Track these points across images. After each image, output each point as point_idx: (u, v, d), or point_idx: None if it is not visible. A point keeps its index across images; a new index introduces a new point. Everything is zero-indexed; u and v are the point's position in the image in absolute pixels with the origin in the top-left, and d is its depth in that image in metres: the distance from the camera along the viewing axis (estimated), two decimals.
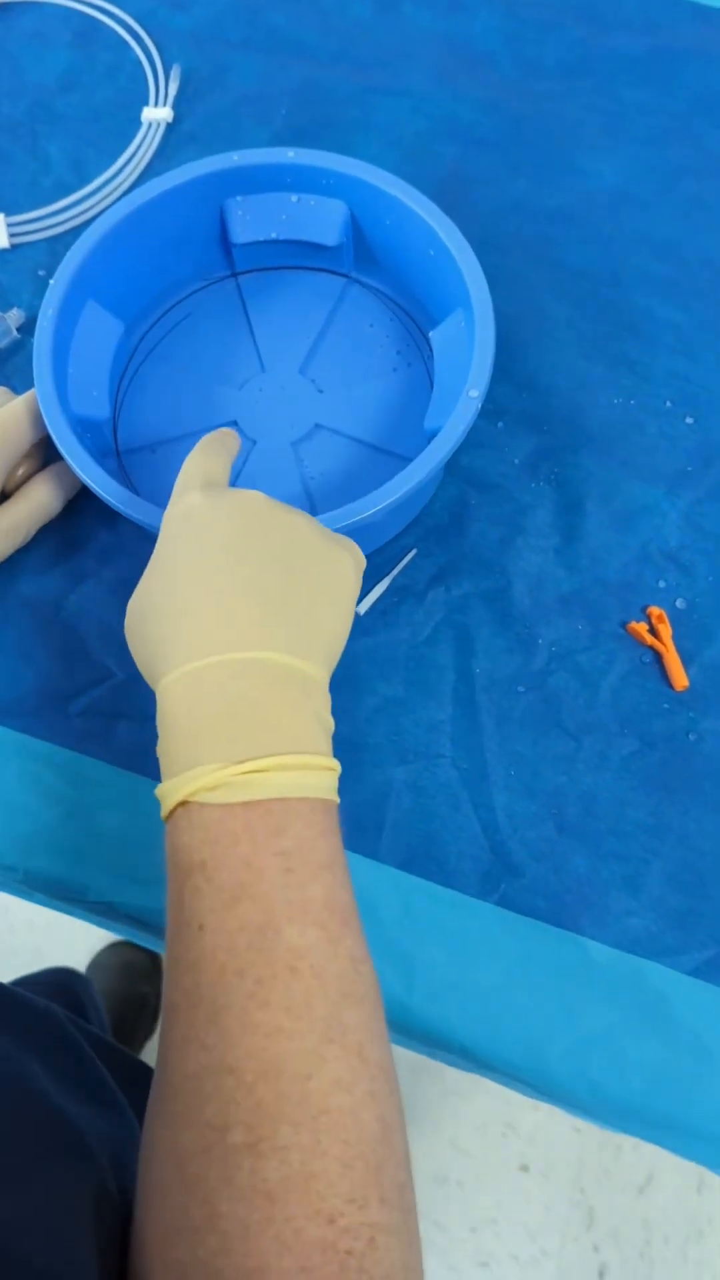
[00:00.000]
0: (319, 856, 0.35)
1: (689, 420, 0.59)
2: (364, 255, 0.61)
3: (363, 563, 0.44)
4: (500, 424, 0.59)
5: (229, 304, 0.62)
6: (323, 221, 0.58)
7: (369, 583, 0.56)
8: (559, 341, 0.61)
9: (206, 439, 0.45)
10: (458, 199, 0.64)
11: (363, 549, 0.56)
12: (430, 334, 0.56)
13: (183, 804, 0.35)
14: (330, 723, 0.39)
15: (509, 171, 0.66)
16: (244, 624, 0.37)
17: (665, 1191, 1.38)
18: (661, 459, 0.58)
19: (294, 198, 0.58)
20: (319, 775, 0.36)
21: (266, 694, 0.36)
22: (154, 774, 0.53)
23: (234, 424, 0.59)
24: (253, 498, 0.41)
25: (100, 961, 1.36)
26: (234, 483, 0.57)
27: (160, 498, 0.49)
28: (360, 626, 0.55)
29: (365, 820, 0.51)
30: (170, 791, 0.36)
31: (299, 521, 0.41)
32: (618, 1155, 1.40)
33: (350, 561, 0.42)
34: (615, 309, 0.62)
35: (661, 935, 0.49)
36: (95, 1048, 0.51)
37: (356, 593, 0.42)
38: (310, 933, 0.33)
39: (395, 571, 0.56)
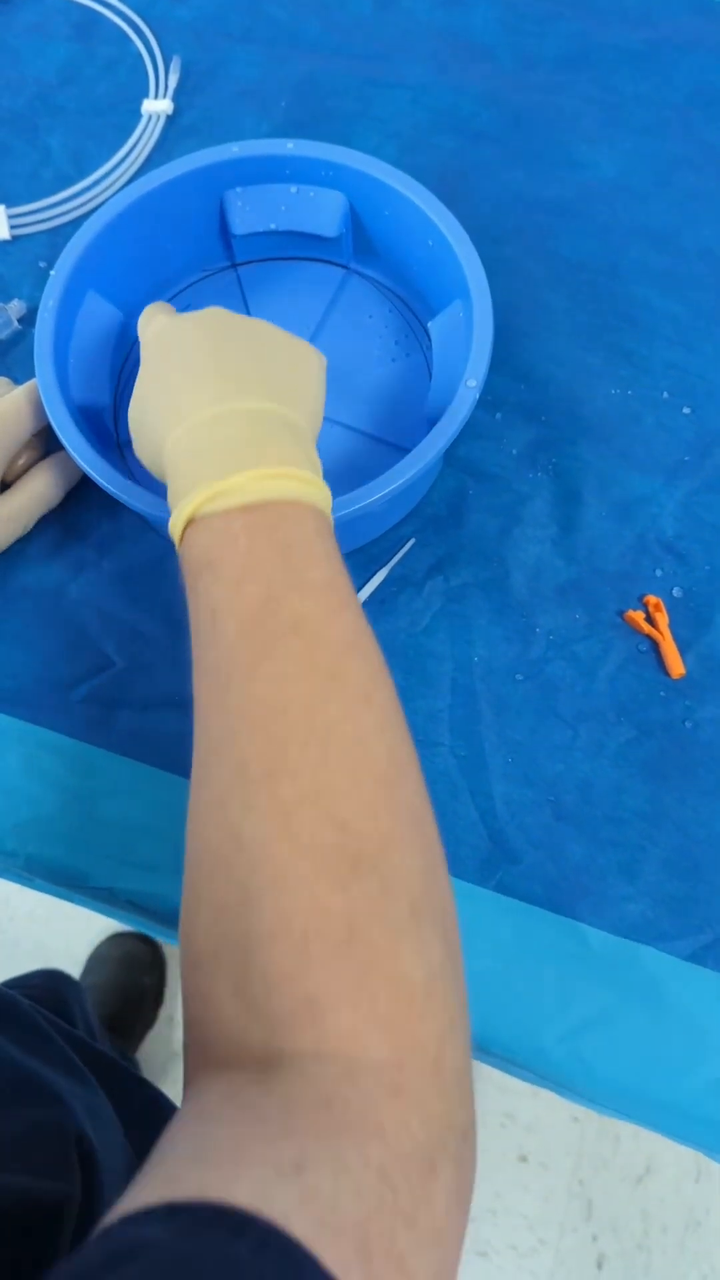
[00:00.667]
0: (315, 549, 0.37)
1: (686, 410, 0.59)
2: (363, 246, 0.61)
3: (323, 357, 0.47)
4: (498, 415, 0.60)
5: (229, 294, 0.63)
6: (322, 213, 0.59)
7: (368, 573, 0.56)
8: (556, 332, 0.61)
9: (153, 304, 0.49)
10: (456, 190, 0.65)
11: (361, 538, 0.57)
12: (429, 324, 0.57)
13: (189, 524, 0.38)
14: (319, 464, 0.42)
15: (507, 163, 0.66)
16: (228, 387, 0.41)
17: (663, 1182, 1.39)
18: (659, 449, 0.58)
19: (293, 189, 0.58)
20: (311, 486, 0.39)
21: (254, 430, 0.39)
22: (155, 761, 0.53)
23: None
24: (213, 309, 0.45)
25: (100, 953, 1.37)
26: None
27: (160, 488, 0.49)
28: None
29: None
30: (177, 519, 0.39)
31: (258, 321, 0.45)
32: (616, 1146, 1.40)
33: (310, 347, 0.46)
34: (613, 300, 0.62)
35: (657, 921, 0.50)
36: (69, 1040, 0.53)
37: (323, 376, 0.46)
38: (310, 603, 0.36)
39: (394, 561, 0.57)
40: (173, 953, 1.39)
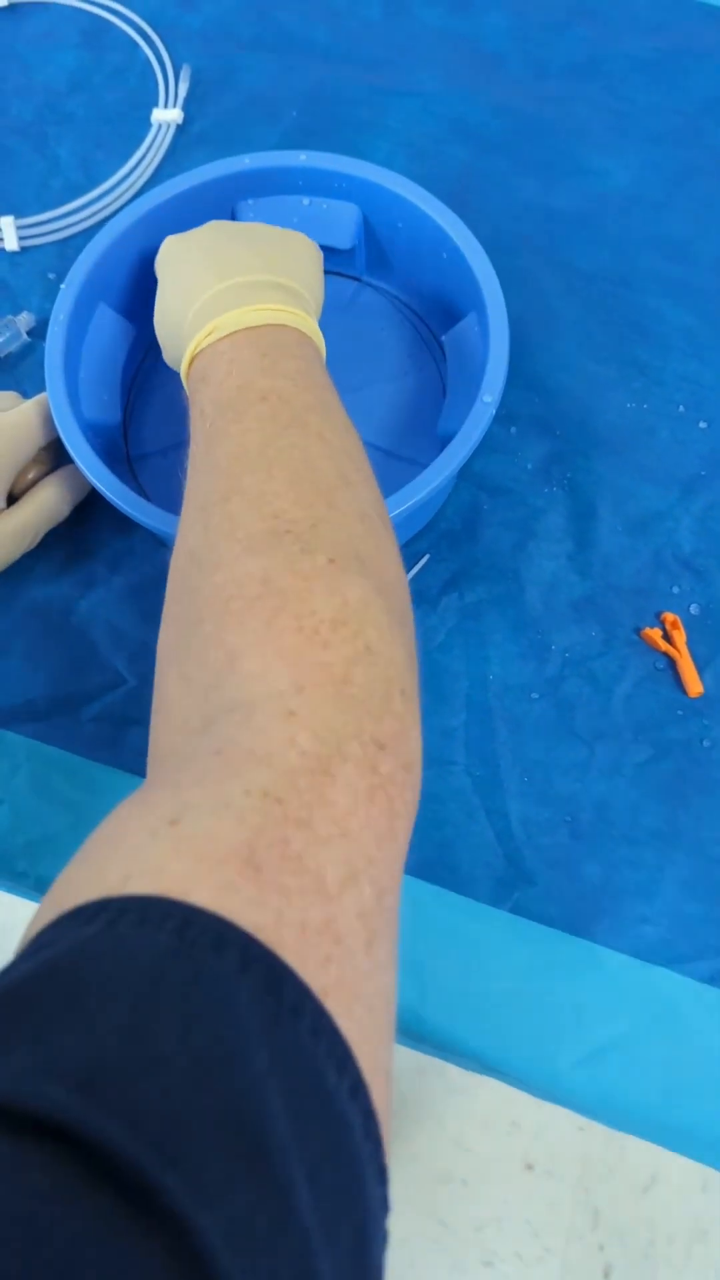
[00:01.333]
0: (292, 351, 0.42)
1: (702, 425, 0.59)
2: (376, 259, 0.61)
3: (314, 243, 0.52)
4: (513, 429, 0.59)
5: None
6: (335, 224, 0.58)
7: None
8: (569, 344, 0.61)
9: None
10: (468, 201, 0.64)
11: None
12: (443, 338, 0.56)
13: (192, 360, 0.44)
14: (314, 318, 0.47)
15: (519, 172, 0.66)
16: (229, 268, 0.46)
17: (669, 1191, 1.38)
18: (674, 463, 0.58)
19: (306, 201, 0.58)
20: (297, 318, 0.44)
21: (253, 291, 0.45)
22: None
23: None
24: (212, 222, 0.51)
25: None
26: None
27: (171, 503, 0.49)
28: None
29: None
30: (185, 363, 0.45)
31: (253, 224, 0.51)
32: (622, 1154, 1.40)
33: (300, 235, 0.51)
34: (626, 311, 0.62)
35: (675, 942, 0.49)
36: None
37: (317, 256, 0.51)
38: (281, 381, 0.40)
39: (409, 577, 0.56)
40: None
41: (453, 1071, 1.42)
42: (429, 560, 0.57)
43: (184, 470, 0.42)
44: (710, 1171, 1.40)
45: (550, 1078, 0.48)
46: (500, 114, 0.68)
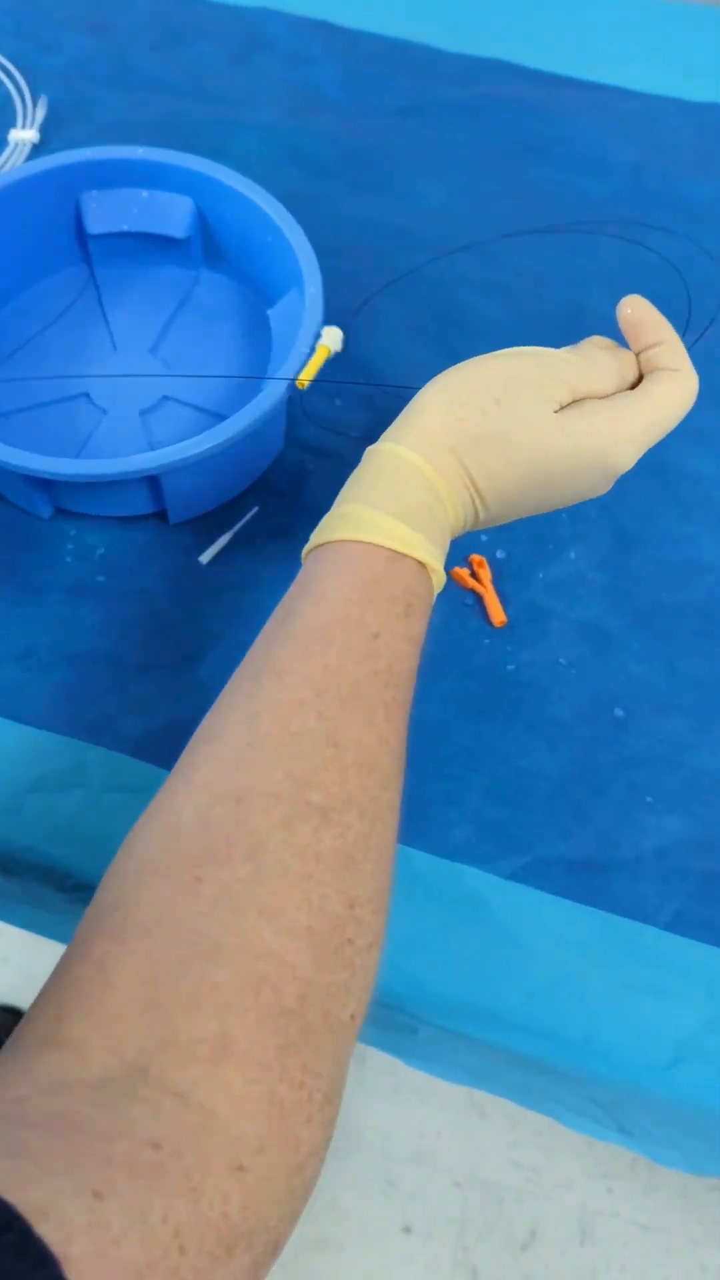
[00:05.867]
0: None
1: None
2: (212, 250, 0.66)
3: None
4: (337, 401, 0.64)
5: (85, 293, 0.66)
6: (171, 215, 0.64)
7: (212, 538, 0.59)
8: (392, 333, 0.67)
9: None
10: (300, 214, 0.70)
11: (205, 506, 0.60)
12: (269, 312, 0.62)
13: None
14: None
15: (346, 192, 0.73)
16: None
17: (548, 1246, 1.36)
18: None
19: (144, 193, 0.63)
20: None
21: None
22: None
23: (85, 397, 0.62)
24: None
25: None
26: (81, 449, 0.60)
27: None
28: (203, 576, 0.59)
29: None
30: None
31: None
32: (500, 1210, 1.38)
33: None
34: (442, 306, 0.68)
35: (480, 845, 0.52)
36: None
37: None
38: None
39: (238, 526, 0.60)
40: None
41: None
42: (257, 512, 0.60)
43: None
44: (588, 1224, 1.39)
45: None
46: (331, 143, 0.75)
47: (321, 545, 0.42)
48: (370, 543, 0.40)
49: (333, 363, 0.64)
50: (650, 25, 0.82)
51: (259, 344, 0.65)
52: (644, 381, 0.46)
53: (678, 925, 0.51)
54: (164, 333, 0.65)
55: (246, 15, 0.82)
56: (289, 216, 0.60)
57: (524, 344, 0.66)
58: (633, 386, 0.46)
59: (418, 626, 0.41)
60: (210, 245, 0.66)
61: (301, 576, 0.42)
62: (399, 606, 0.40)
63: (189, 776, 0.37)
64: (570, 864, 0.52)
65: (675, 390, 0.45)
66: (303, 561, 0.43)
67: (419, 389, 0.46)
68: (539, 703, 0.56)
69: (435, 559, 0.42)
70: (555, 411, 0.43)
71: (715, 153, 0.75)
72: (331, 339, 0.56)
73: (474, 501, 0.44)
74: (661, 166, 0.74)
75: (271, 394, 0.54)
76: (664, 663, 0.57)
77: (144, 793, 0.52)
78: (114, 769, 0.53)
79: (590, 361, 0.45)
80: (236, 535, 0.60)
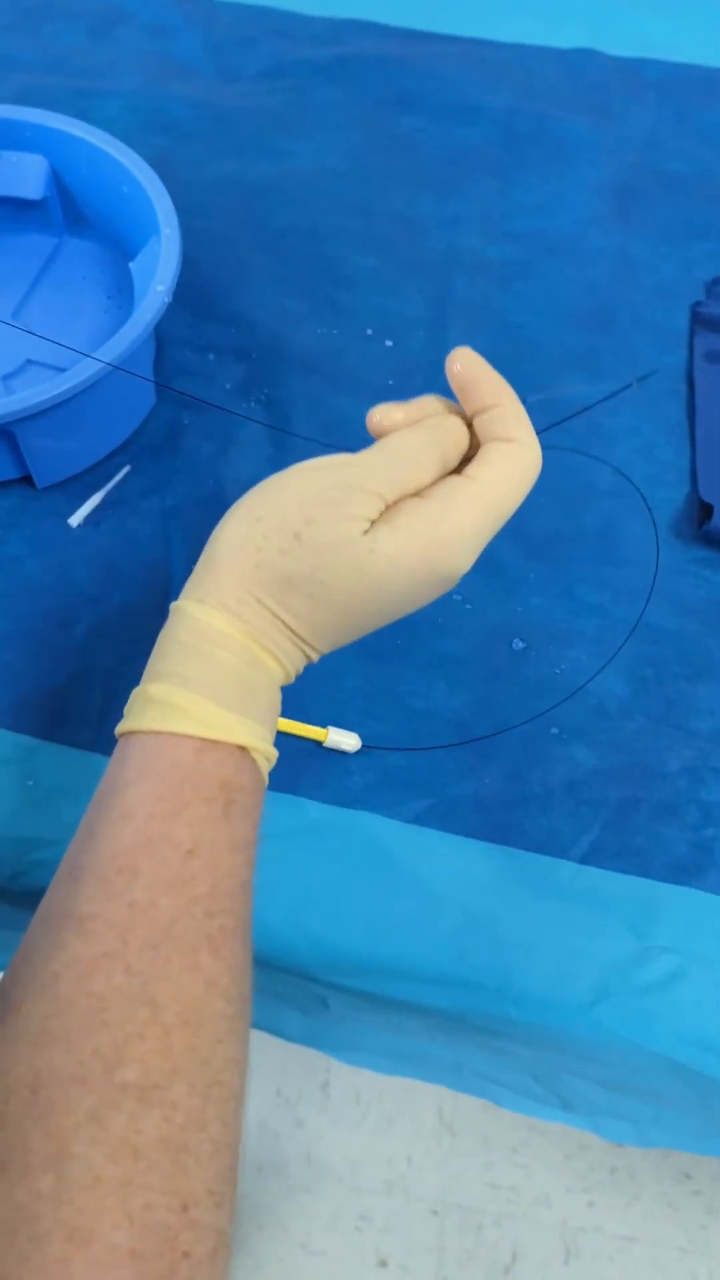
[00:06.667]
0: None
1: (389, 343, 0.63)
2: (72, 214, 0.64)
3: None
4: (210, 356, 0.62)
5: None
6: (25, 176, 0.61)
7: (83, 499, 0.56)
8: (265, 288, 0.65)
9: None
10: (167, 178, 0.68)
11: (73, 467, 0.57)
12: (130, 265, 0.59)
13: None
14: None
15: (213, 155, 0.71)
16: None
17: (532, 1269, 1.31)
18: (365, 376, 0.61)
19: None
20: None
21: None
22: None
23: None
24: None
25: None
26: None
27: None
28: (74, 539, 0.55)
29: (87, 709, 0.50)
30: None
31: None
32: (479, 1235, 1.33)
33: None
34: (316, 260, 0.66)
35: (380, 791, 0.49)
36: None
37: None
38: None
39: (109, 487, 0.57)
40: None
41: (293, 1170, 1.33)
42: (130, 471, 0.57)
43: None
44: (570, 1241, 1.34)
45: (261, 927, 0.46)
46: (197, 108, 0.73)
47: (126, 735, 0.36)
48: (176, 733, 0.35)
49: (204, 319, 0.62)
50: None
51: (125, 305, 0.62)
52: (475, 458, 0.38)
53: (594, 858, 0.48)
54: (26, 298, 0.62)
55: None
56: (143, 163, 0.58)
57: (398, 290, 0.64)
58: (469, 458, 0.39)
59: (243, 826, 0.35)
60: (70, 209, 0.63)
61: (106, 778, 0.36)
62: (216, 808, 0.34)
63: None
64: (477, 803, 0.49)
65: (509, 468, 0.37)
66: (117, 739, 0.37)
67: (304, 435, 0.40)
68: (435, 641, 0.53)
69: (259, 738, 0.36)
70: (365, 532, 0.36)
71: (585, 93, 0.74)
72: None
73: (299, 647, 0.38)
74: (533, 109, 0.73)
75: (123, 339, 0.51)
76: (562, 590, 0.54)
77: (16, 765, 0.49)
78: None
79: (398, 460, 0.37)
80: (109, 496, 0.56)
